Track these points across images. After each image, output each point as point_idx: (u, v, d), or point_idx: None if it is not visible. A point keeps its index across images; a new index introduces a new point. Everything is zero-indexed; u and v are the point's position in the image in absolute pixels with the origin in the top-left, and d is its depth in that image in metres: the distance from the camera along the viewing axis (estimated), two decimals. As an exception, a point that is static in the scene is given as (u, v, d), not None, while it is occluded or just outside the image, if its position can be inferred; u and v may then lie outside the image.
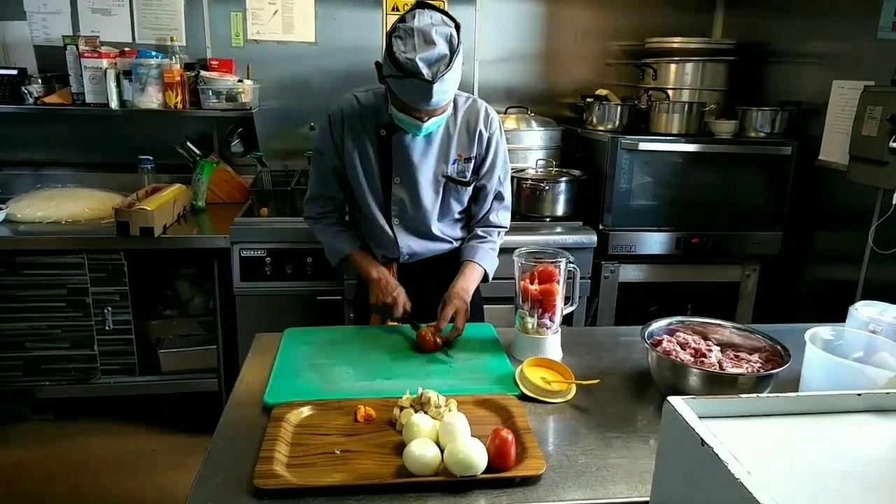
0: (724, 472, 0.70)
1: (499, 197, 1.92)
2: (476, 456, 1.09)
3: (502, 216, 1.95)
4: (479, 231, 1.91)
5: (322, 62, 3.10)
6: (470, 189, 1.88)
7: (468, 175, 1.85)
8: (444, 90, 1.57)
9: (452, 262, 1.90)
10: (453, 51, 1.53)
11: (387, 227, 1.85)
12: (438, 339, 1.61)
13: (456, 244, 1.94)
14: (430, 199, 1.83)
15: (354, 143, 1.79)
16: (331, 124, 1.81)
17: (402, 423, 1.22)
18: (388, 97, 1.67)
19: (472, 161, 1.83)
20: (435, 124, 1.69)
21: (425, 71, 1.50)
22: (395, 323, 1.79)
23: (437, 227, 1.88)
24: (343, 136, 1.80)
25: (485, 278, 1.87)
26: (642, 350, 1.54)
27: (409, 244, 1.87)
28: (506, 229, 1.97)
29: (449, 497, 1.07)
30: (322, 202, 1.91)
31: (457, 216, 1.92)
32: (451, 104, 1.70)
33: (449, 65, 1.52)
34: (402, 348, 1.64)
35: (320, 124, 1.86)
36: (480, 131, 1.81)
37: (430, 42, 1.51)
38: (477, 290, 1.88)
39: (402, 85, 1.56)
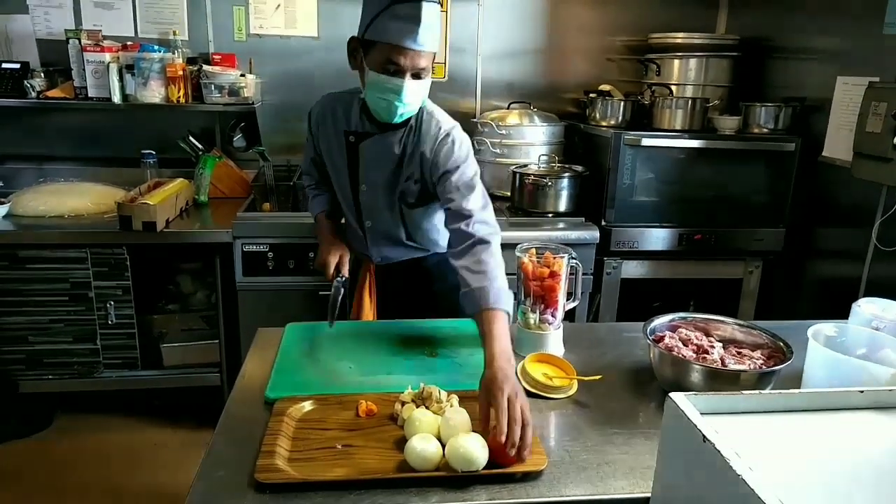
0: (725, 469, 0.70)
1: (464, 191, 1.62)
2: (477, 451, 1.09)
3: (475, 204, 1.61)
4: (469, 263, 1.50)
5: (324, 57, 3.10)
6: (422, 211, 1.79)
7: (414, 199, 1.76)
8: (431, 24, 1.49)
9: (430, 264, 1.90)
10: None
11: (359, 231, 1.87)
12: (511, 451, 1.12)
13: (431, 250, 1.90)
14: (392, 210, 1.79)
15: (327, 146, 1.82)
16: (309, 122, 1.86)
17: (404, 418, 1.22)
18: (362, 79, 1.60)
19: (419, 184, 1.72)
20: (415, 97, 1.57)
21: None
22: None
23: (407, 238, 1.85)
24: (318, 137, 1.84)
25: None
26: (644, 346, 1.54)
27: (381, 249, 1.87)
28: (493, 231, 1.58)
29: (450, 492, 1.07)
30: (309, 178, 2.02)
31: (423, 227, 1.86)
32: (429, 74, 1.59)
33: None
34: (404, 343, 1.64)
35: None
36: (423, 153, 1.68)
37: None
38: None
39: (387, 18, 1.47)
